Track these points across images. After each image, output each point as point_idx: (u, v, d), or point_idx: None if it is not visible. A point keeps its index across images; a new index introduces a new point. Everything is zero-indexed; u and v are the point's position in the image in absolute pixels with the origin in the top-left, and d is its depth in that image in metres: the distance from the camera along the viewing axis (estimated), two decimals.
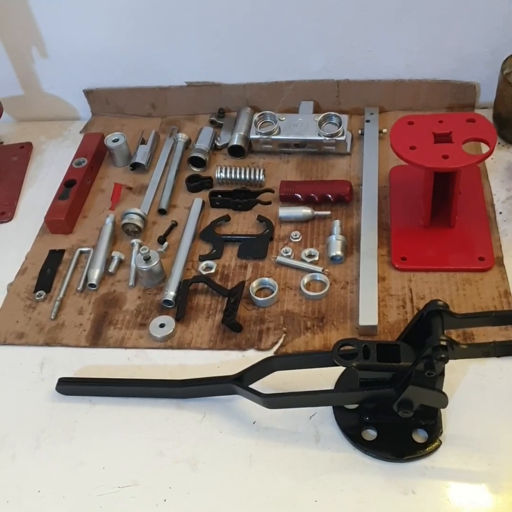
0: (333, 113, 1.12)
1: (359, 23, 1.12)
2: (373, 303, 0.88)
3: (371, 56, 1.16)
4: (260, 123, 1.16)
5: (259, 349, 0.88)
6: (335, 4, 1.10)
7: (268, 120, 1.16)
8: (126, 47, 1.22)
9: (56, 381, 0.87)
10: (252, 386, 0.79)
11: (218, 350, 0.89)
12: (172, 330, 0.90)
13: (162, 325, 0.91)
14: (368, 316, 0.86)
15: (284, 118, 1.15)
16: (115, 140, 1.19)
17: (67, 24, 1.19)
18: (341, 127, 1.10)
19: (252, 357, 0.87)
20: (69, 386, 0.86)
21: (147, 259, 0.96)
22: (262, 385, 0.79)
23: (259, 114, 1.15)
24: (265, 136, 1.14)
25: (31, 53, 1.25)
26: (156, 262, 0.96)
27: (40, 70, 1.28)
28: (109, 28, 1.19)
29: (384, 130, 1.14)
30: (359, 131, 1.16)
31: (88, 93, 1.29)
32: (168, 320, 0.92)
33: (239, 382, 0.79)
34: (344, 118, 1.12)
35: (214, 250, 1.02)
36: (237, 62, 1.21)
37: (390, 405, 0.72)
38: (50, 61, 1.26)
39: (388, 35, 1.13)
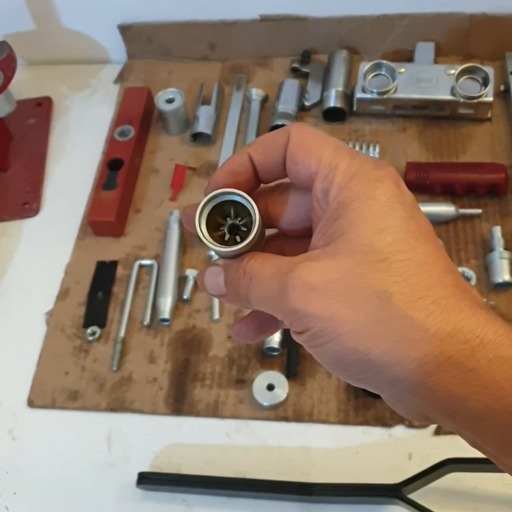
0: (477, 65, 0.81)
1: None
2: None
3: None
4: (370, 76, 0.85)
5: (411, 425, 0.64)
6: None
7: (383, 72, 0.85)
8: None
9: (131, 467, 0.65)
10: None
11: (353, 425, 0.65)
12: (286, 395, 0.66)
13: (270, 387, 0.67)
14: None
15: (403, 70, 0.84)
16: (170, 100, 0.88)
17: None
18: (488, 86, 0.80)
19: (404, 437, 0.64)
20: (154, 485, 0.63)
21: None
22: None
23: (371, 64, 0.83)
24: (378, 96, 0.83)
25: None
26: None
27: None
28: None
29: None
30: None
31: (124, 29, 0.96)
32: (278, 379, 0.67)
33: (403, 496, 0.56)
34: (490, 71, 0.81)
35: None
36: None
37: None
38: None
39: None
